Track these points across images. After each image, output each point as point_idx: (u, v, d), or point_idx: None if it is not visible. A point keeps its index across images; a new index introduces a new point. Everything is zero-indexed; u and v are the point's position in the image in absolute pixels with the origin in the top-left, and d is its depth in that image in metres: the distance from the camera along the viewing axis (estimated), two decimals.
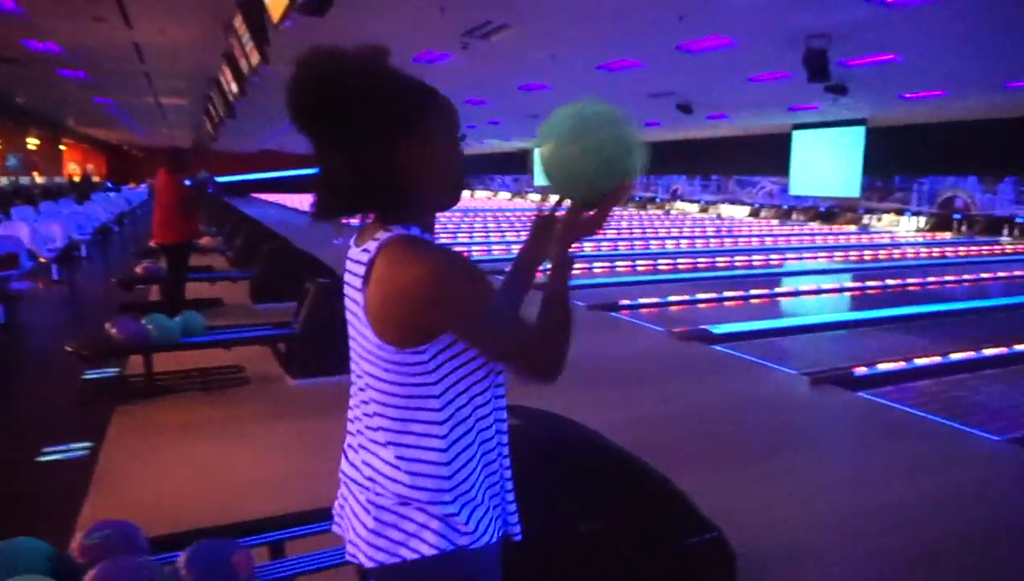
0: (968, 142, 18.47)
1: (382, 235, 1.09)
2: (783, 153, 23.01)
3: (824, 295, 9.34)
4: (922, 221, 19.97)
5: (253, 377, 4.81)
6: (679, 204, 28.26)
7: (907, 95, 15.21)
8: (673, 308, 8.00)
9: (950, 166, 19.31)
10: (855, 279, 10.77)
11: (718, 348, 5.95)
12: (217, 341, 4.73)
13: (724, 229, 19.21)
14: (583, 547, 2.26)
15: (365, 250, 1.11)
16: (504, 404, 1.21)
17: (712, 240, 16.05)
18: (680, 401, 4.56)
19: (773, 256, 13.36)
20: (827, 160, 21.78)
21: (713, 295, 8.49)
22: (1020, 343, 6.03)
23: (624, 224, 19.85)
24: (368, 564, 1.14)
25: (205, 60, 11.35)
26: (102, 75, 13.87)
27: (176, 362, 4.83)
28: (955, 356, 5.69)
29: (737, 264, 11.93)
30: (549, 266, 1.21)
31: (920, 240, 17.26)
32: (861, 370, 5.21)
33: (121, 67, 12.63)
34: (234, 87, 10.65)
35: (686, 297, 8.38)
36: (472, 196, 37.92)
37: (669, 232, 17.83)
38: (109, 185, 29.23)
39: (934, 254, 14.19)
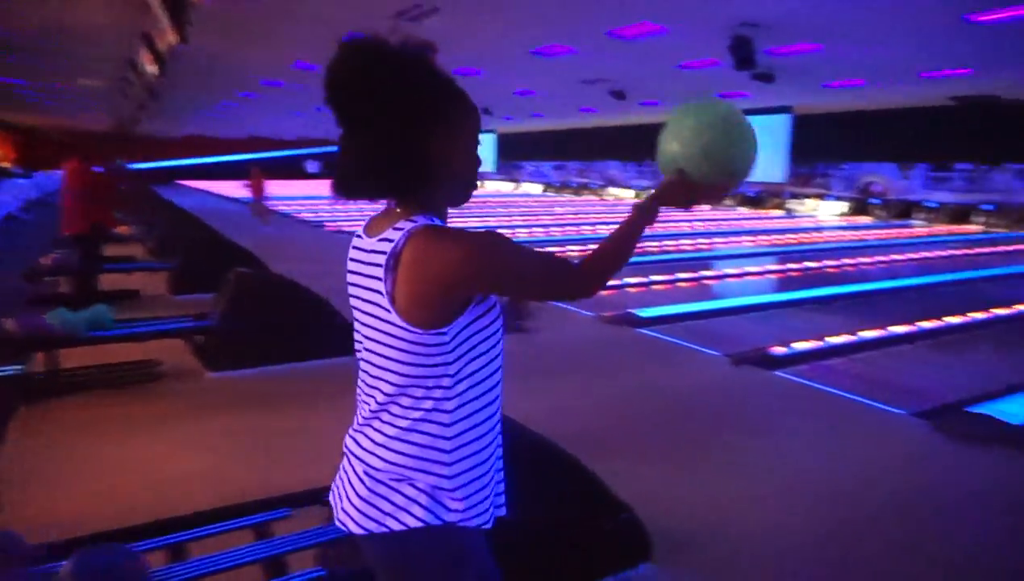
0: (885, 130, 19.29)
1: (406, 224, 1.15)
2: None
3: (749, 278, 9.62)
4: (842, 206, 20.78)
5: (168, 372, 4.63)
6: (613, 190, 28.60)
7: (830, 84, 15.75)
8: (603, 293, 8.08)
9: (868, 153, 20.14)
10: (779, 262, 11.14)
11: (645, 331, 6.05)
12: (128, 335, 4.53)
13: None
14: (495, 535, 2.26)
15: (386, 239, 1.16)
16: (501, 389, 1.28)
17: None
18: (606, 385, 4.62)
19: (702, 240, 13.67)
20: (760, 144, 22.36)
21: (642, 279, 8.62)
22: (928, 321, 6.35)
23: (559, 209, 19.99)
24: (357, 531, 1.21)
25: (122, 40, 10.81)
26: (12, 55, 13.05)
27: (90, 358, 4.61)
28: (868, 334, 5.95)
29: (667, 248, 12.16)
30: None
31: (840, 224, 17.96)
32: (779, 350, 5.38)
33: (33, 46, 11.91)
34: (153, 68, 10.19)
35: (616, 282, 8.49)
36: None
37: (601, 217, 18.03)
38: (18, 171, 27.63)
39: (853, 237, 14.79)
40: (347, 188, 1.18)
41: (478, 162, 1.25)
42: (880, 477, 3.27)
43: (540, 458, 2.51)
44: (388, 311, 1.15)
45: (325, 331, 4.84)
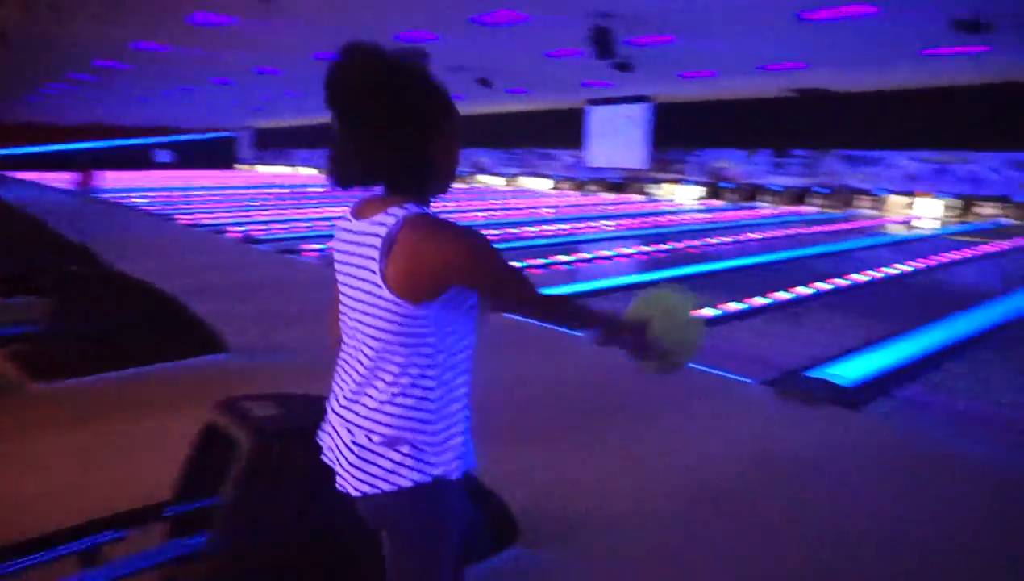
0: (734, 118, 20.62)
1: (398, 210, 1.28)
2: (579, 127, 24.19)
3: (616, 260, 9.98)
4: (698, 190, 22.02)
5: None
6: (482, 177, 28.71)
7: (685, 74, 16.58)
8: None
9: (719, 140, 21.44)
10: (642, 244, 11.63)
11: (516, 318, 6.10)
12: None
13: (527, 201, 19.84)
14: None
15: (379, 222, 1.28)
16: (474, 352, 1.45)
17: (514, 212, 16.50)
18: (480, 373, 4.59)
19: (571, 225, 14.02)
20: (619, 134, 23.23)
21: (514, 265, 8.69)
22: (772, 294, 6.85)
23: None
24: (355, 493, 1.34)
25: None
26: None
27: None
28: (722, 310, 6.32)
29: (536, 233, 12.37)
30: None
31: (697, 207, 19.03)
32: None
33: None
34: None
35: None
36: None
37: (472, 205, 18.07)
38: None
39: (707, 219, 15.71)
40: (345, 177, 1.31)
41: (458, 161, 1.41)
42: (735, 445, 3.45)
43: None
44: (379, 287, 1.27)
45: (174, 331, 4.49)
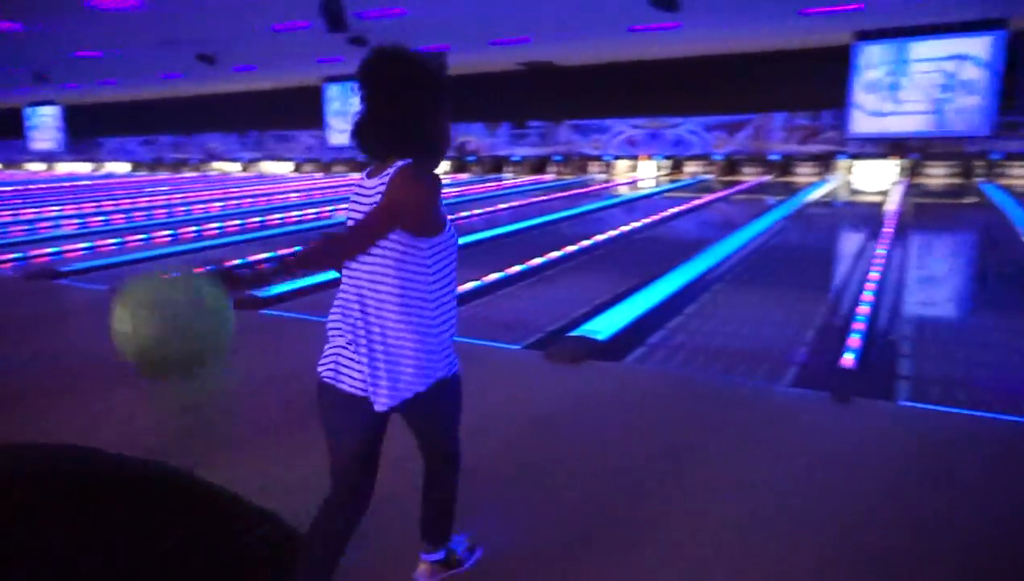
0: (473, 92, 21.16)
1: (397, 163, 1.67)
2: (318, 106, 23.18)
3: None
4: (444, 164, 22.38)
5: None
6: (217, 164, 26.47)
7: (418, 48, 16.55)
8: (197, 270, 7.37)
9: (460, 114, 21.90)
10: None
11: (267, 312, 5.63)
12: None
13: (266, 187, 18.63)
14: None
15: (385, 174, 1.67)
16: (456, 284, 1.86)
17: (257, 198, 15.39)
18: (232, 374, 4.14)
19: (320, 209, 13.41)
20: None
21: (257, 257, 8.06)
22: (526, 262, 7.13)
23: (162, 189, 17.72)
24: (409, 394, 1.76)
25: None
26: None
27: None
28: (481, 281, 6.42)
29: (283, 221, 11.63)
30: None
31: (446, 181, 19.33)
32: None
33: None
34: None
35: (237, 261, 7.78)
36: (52, 168, 26.32)
37: (203, 194, 16.49)
38: None
39: (456, 193, 16.01)
40: (367, 148, 1.72)
41: (449, 138, 1.81)
42: (509, 407, 3.48)
43: (151, 488, 2.06)
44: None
45: None
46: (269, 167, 25.44)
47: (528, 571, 2.23)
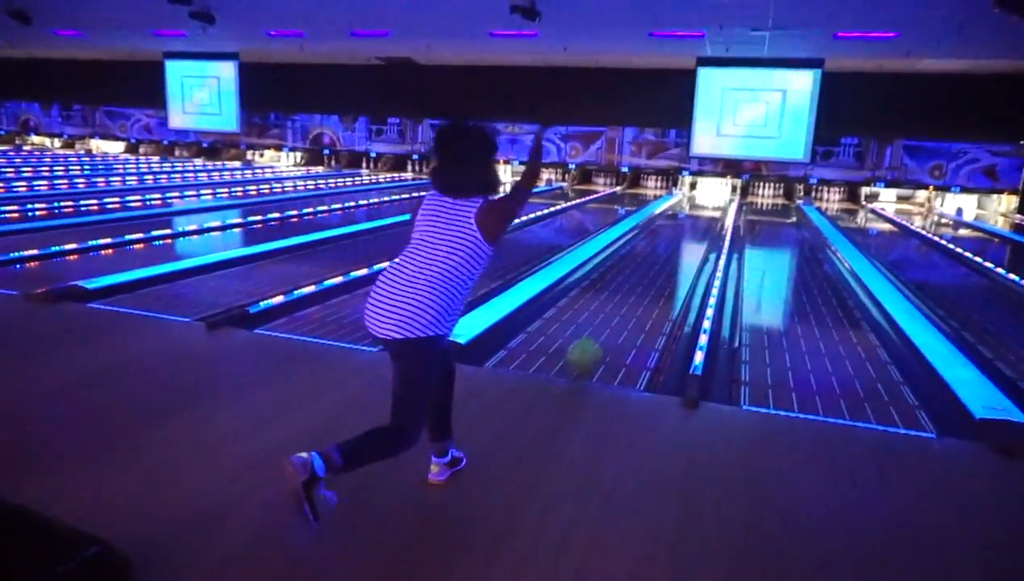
0: (327, 84, 20.42)
1: (481, 198, 2.48)
2: (158, 83, 21.37)
3: (214, 233, 9.07)
4: (298, 156, 21.44)
5: None
6: (35, 139, 23.74)
7: (273, 32, 15.73)
8: (31, 264, 6.54)
9: (313, 105, 21.10)
10: (243, 214, 10.81)
11: (95, 306, 5.06)
12: None
13: (96, 167, 16.92)
14: None
15: (472, 201, 2.46)
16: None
17: (79, 180, 13.91)
18: (55, 377, 3.66)
19: (155, 195, 12.35)
20: (205, 93, 21.19)
21: (84, 245, 7.27)
22: (382, 262, 6.93)
23: None
24: (399, 335, 2.35)
25: None
26: None
27: None
28: (336, 280, 6.17)
29: (111, 206, 10.59)
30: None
31: (298, 174, 18.51)
32: (255, 306, 5.14)
33: None
34: None
35: (39, 251, 6.90)
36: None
37: (19, 172, 14.69)
38: None
39: (310, 186, 15.38)
40: (457, 191, 2.48)
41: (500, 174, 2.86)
42: (361, 412, 3.33)
43: None
44: (475, 231, 2.41)
45: None
46: (99, 145, 23.14)
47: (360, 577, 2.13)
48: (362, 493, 2.61)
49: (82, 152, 22.41)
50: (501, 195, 2.54)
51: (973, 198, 16.75)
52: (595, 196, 16.56)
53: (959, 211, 16.31)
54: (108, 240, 7.56)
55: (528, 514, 2.53)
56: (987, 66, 15.17)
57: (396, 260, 2.49)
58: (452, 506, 2.58)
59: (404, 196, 14.16)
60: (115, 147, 23.16)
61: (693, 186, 18.52)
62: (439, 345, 2.42)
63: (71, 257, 6.89)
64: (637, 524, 2.50)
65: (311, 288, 5.84)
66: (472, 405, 3.51)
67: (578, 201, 15.31)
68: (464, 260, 2.40)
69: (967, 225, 14.29)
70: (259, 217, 10.22)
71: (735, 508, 2.65)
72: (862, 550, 2.43)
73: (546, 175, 19.59)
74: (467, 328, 4.76)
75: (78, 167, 16.65)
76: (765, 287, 7.83)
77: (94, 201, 10.91)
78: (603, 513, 2.56)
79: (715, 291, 6.35)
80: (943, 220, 15.13)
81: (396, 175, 19.52)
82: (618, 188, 18.60)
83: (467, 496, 2.66)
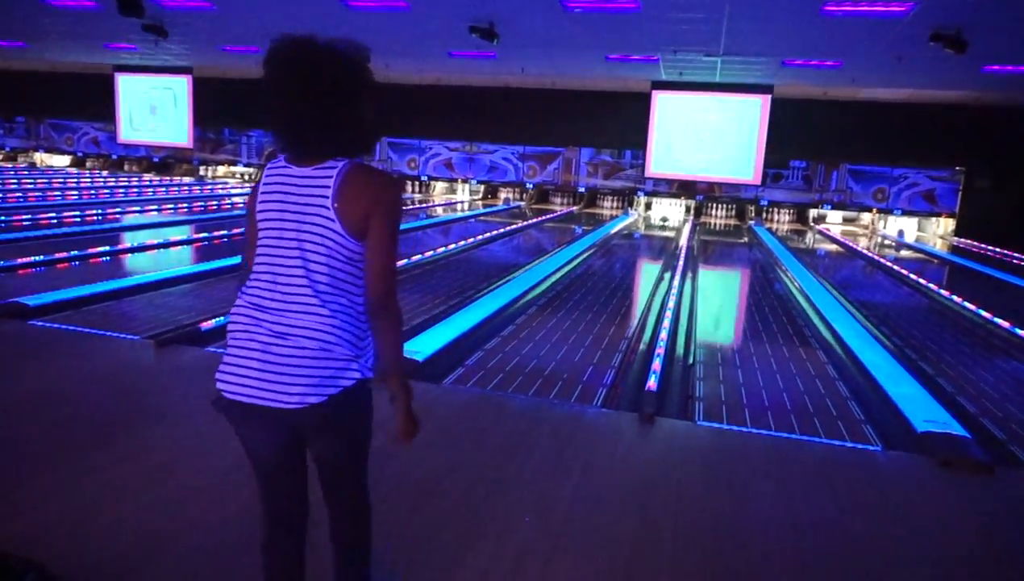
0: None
1: (340, 159, 1.60)
2: (108, 96, 20.87)
3: (164, 250, 8.86)
4: (253, 173, 21.13)
5: None
6: None
7: (228, 48, 15.54)
8: None
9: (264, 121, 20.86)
10: (195, 231, 10.59)
11: (37, 323, 4.89)
12: None
13: (39, 181, 16.40)
14: None
15: (325, 168, 1.58)
16: None
17: (21, 194, 13.46)
18: None
19: (103, 210, 12.02)
20: (156, 107, 20.78)
21: (26, 260, 7.03)
22: None
23: None
24: (319, 399, 1.55)
25: None
26: None
27: None
28: None
29: (56, 221, 10.26)
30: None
31: (248, 190, 18.21)
32: (207, 324, 5.03)
33: None
34: None
35: None
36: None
37: None
38: None
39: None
40: (304, 150, 1.60)
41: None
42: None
43: None
44: (333, 221, 1.56)
45: None
46: (44, 159, 22.44)
47: None
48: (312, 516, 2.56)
49: (25, 165, 21.69)
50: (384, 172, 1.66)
51: (914, 221, 17.41)
52: (552, 215, 16.70)
53: (900, 233, 16.93)
54: (52, 256, 7.32)
55: (484, 532, 2.53)
56: (926, 96, 15.89)
57: (250, 285, 1.62)
58: (406, 525, 2.56)
59: None
60: (61, 161, 22.49)
61: (648, 206, 18.83)
62: (370, 389, 1.69)
63: (11, 273, 6.65)
64: (594, 541, 2.52)
65: None
66: (428, 423, 3.49)
67: (535, 220, 15.42)
68: (340, 264, 1.59)
69: (908, 246, 14.85)
70: (213, 233, 10.02)
71: (691, 523, 2.68)
72: (812, 562, 2.49)
73: (504, 194, 19.71)
74: (424, 345, 4.74)
75: (20, 181, 16.11)
76: (719, 305, 7.99)
77: (38, 216, 10.56)
78: (560, 530, 2.57)
79: (670, 309, 6.46)
80: (886, 242, 15.68)
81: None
82: (575, 208, 18.80)
83: (422, 515, 2.64)
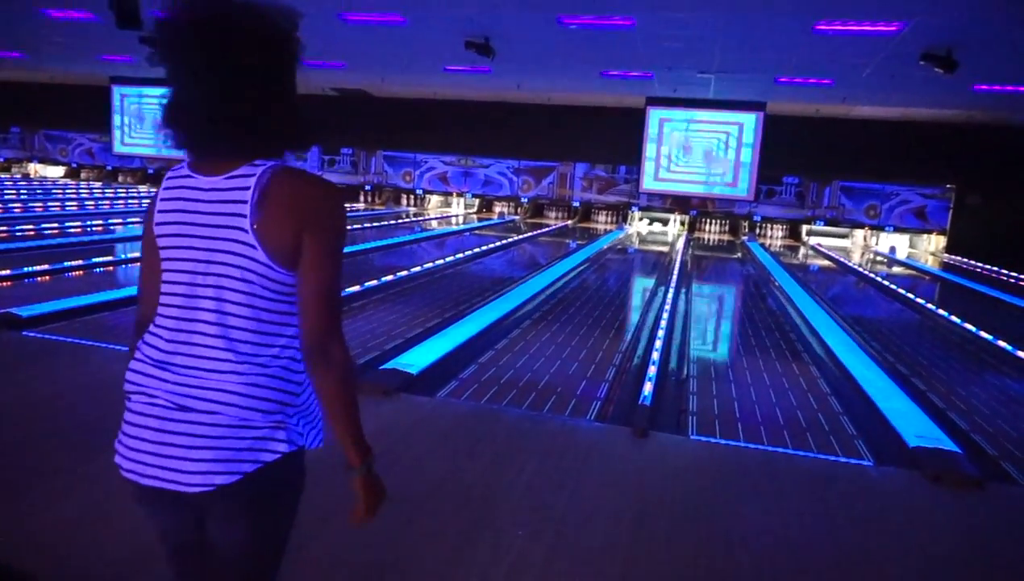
0: None
1: (260, 163, 1.21)
2: (103, 107, 20.89)
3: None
4: None
5: None
6: None
7: None
8: None
9: None
10: None
11: (29, 334, 4.87)
12: None
13: (34, 192, 16.38)
14: None
15: (241, 176, 1.20)
16: None
17: (15, 204, 13.43)
18: None
19: (97, 221, 12.01)
20: (151, 119, 20.80)
21: (18, 271, 7.00)
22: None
23: None
24: (230, 480, 1.20)
25: None
26: None
27: None
28: None
29: (49, 232, 10.25)
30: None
31: None
32: None
33: None
34: None
35: None
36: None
37: None
38: None
39: None
40: (211, 141, 1.22)
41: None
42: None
43: None
44: (254, 248, 1.19)
45: None
46: (38, 169, 22.41)
47: None
48: (301, 525, 2.56)
49: (19, 176, 21.66)
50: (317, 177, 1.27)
51: (905, 237, 17.53)
52: (547, 229, 16.76)
53: (892, 249, 17.04)
54: (45, 266, 7.30)
55: (478, 546, 2.53)
56: (917, 114, 16.05)
57: (152, 333, 1.34)
58: (400, 537, 2.56)
59: (355, 226, 14.07)
60: (55, 172, 22.46)
61: (642, 221, 18.92)
62: (301, 462, 1.34)
63: (4, 283, 6.63)
64: (587, 554, 2.52)
65: None
66: (422, 436, 3.50)
67: (530, 234, 15.46)
68: (267, 302, 1.24)
69: (900, 263, 14.94)
70: None
71: (684, 537, 2.69)
72: (804, 576, 2.50)
73: (498, 208, 19.77)
74: (418, 358, 4.74)
75: (14, 191, 16.08)
76: (712, 320, 8.02)
77: (31, 226, 10.54)
78: (554, 543, 2.57)
79: (664, 323, 6.48)
80: (878, 258, 15.78)
81: (348, 206, 19.40)
82: (569, 222, 18.86)
83: (416, 527, 2.63)
